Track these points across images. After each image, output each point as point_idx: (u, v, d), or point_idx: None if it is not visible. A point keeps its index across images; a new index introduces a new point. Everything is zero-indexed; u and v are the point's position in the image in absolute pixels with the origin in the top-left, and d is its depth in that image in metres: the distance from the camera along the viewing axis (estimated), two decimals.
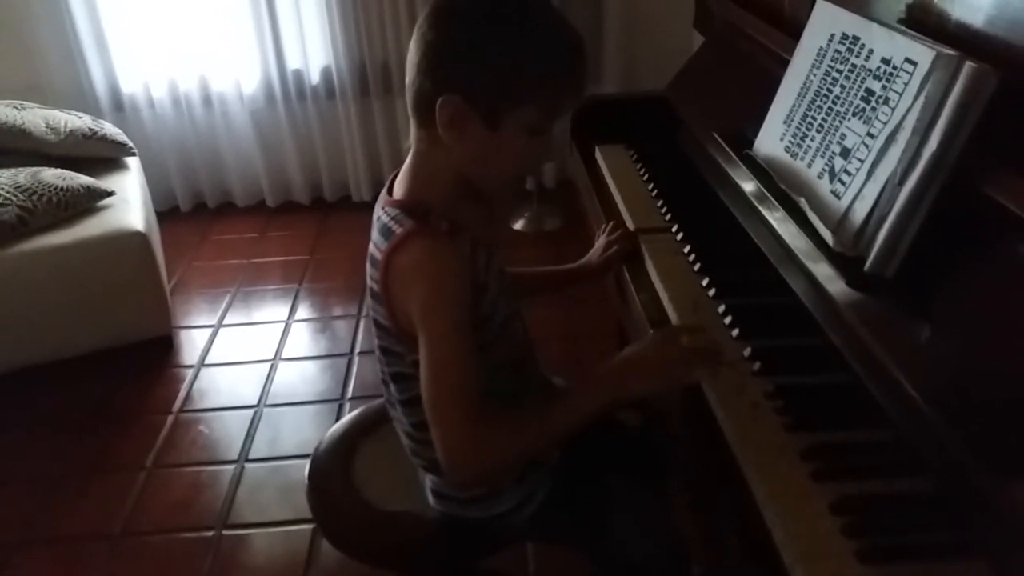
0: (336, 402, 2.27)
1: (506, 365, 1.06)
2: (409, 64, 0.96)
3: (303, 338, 2.62)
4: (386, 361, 1.07)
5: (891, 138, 0.94)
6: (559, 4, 3.05)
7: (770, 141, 1.22)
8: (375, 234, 1.01)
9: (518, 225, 3.22)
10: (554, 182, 3.48)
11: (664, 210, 1.43)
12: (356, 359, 2.46)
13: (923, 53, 0.91)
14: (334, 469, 1.27)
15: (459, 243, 0.97)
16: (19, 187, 2.36)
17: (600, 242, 1.38)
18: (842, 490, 0.80)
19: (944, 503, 0.77)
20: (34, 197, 2.35)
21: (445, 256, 0.95)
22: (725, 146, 1.29)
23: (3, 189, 2.33)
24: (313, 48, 3.29)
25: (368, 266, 1.02)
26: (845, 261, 0.95)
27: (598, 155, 1.69)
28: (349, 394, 2.30)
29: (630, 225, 1.41)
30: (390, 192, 1.04)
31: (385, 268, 0.96)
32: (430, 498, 1.17)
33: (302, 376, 2.42)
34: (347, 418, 1.40)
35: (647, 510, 1.14)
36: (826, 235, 0.98)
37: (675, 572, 1.08)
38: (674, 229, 1.34)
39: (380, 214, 1.01)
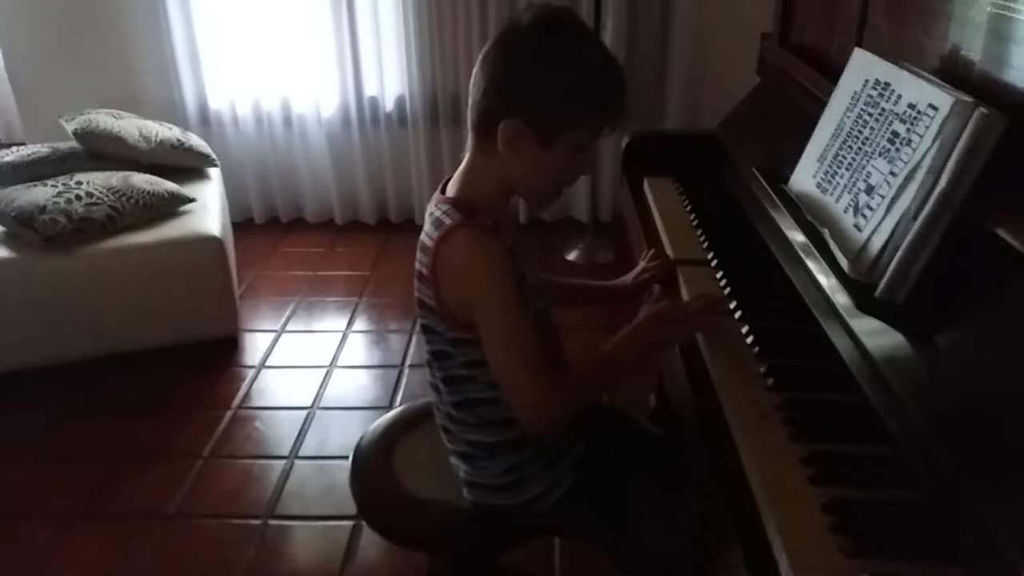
0: (384, 409, 2.37)
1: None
2: (474, 86, 1.09)
3: (358, 348, 2.74)
4: (428, 339, 1.19)
5: (910, 177, 1.00)
6: (629, 46, 3.19)
7: (804, 177, 1.29)
8: (427, 226, 1.14)
9: (572, 256, 3.31)
10: (610, 216, 3.57)
11: (703, 240, 1.51)
12: (406, 371, 2.57)
13: (944, 99, 0.98)
14: (375, 458, 1.37)
15: (499, 238, 1.09)
16: (111, 188, 2.55)
17: (638, 267, 1.47)
18: (835, 493, 0.86)
19: (929, 512, 0.83)
20: (123, 199, 2.53)
21: (489, 245, 1.07)
22: (762, 180, 1.37)
23: (97, 190, 2.53)
24: (389, 77, 3.48)
25: (419, 252, 1.15)
26: (860, 288, 1.01)
27: (646, 186, 1.77)
28: (397, 402, 2.41)
29: (670, 254, 1.49)
30: (443, 192, 1.16)
31: (434, 254, 1.09)
32: (463, 489, 1.26)
33: (354, 383, 2.54)
34: (390, 414, 1.49)
35: (665, 507, 1.21)
36: (843, 263, 1.05)
37: (691, 567, 1.15)
38: (710, 256, 1.42)
39: (433, 209, 1.14)
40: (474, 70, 1.09)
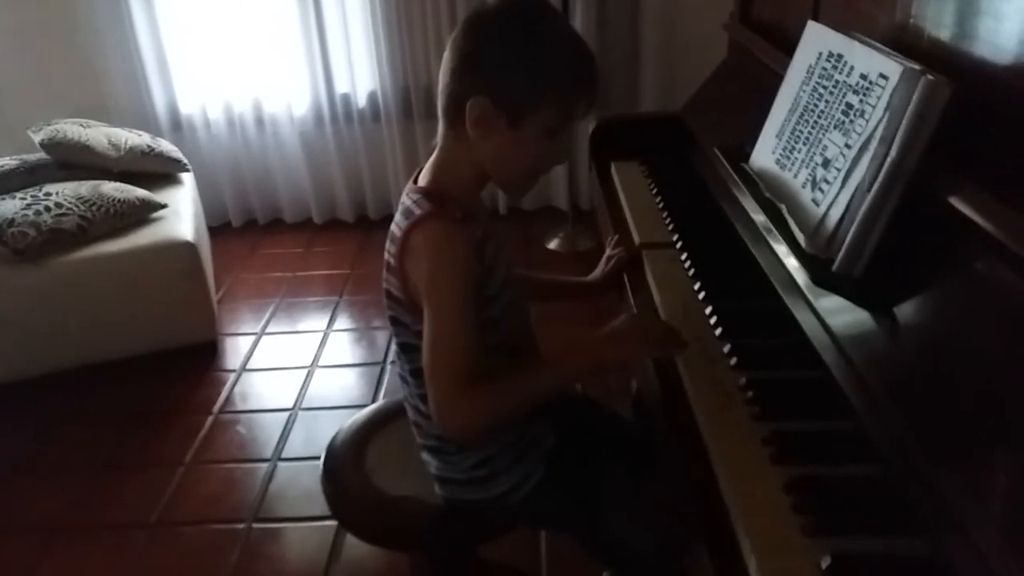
0: (367, 407, 2.36)
1: (504, 348, 1.14)
2: (443, 70, 1.08)
3: (340, 347, 2.73)
4: (396, 332, 1.17)
5: (863, 148, 0.99)
6: (600, 29, 3.17)
7: (764, 154, 1.28)
8: (397, 215, 1.12)
9: (552, 244, 3.30)
10: (589, 203, 3.55)
11: (669, 223, 1.50)
12: (388, 367, 2.56)
13: (893, 68, 0.97)
14: (347, 457, 1.36)
15: (469, 229, 1.07)
16: (81, 198, 2.52)
17: (604, 256, 1.46)
18: (796, 472, 0.85)
19: (890, 487, 0.82)
20: (94, 208, 2.51)
21: (455, 237, 1.05)
22: (723, 159, 1.35)
23: (66, 200, 2.50)
24: (360, 74, 3.45)
25: (388, 242, 1.13)
26: (818, 263, 1.00)
27: (613, 171, 1.76)
28: (380, 399, 2.40)
29: (636, 238, 1.48)
30: (416, 181, 1.15)
31: (402, 243, 1.08)
32: (434, 484, 1.25)
33: (337, 382, 2.53)
34: (364, 412, 1.48)
35: (638, 498, 1.19)
36: (801, 238, 1.04)
37: (663, 559, 1.14)
38: (675, 238, 1.41)
39: (404, 199, 1.13)
40: (445, 53, 1.08)
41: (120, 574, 1.85)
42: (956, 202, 0.86)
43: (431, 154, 1.15)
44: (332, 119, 3.50)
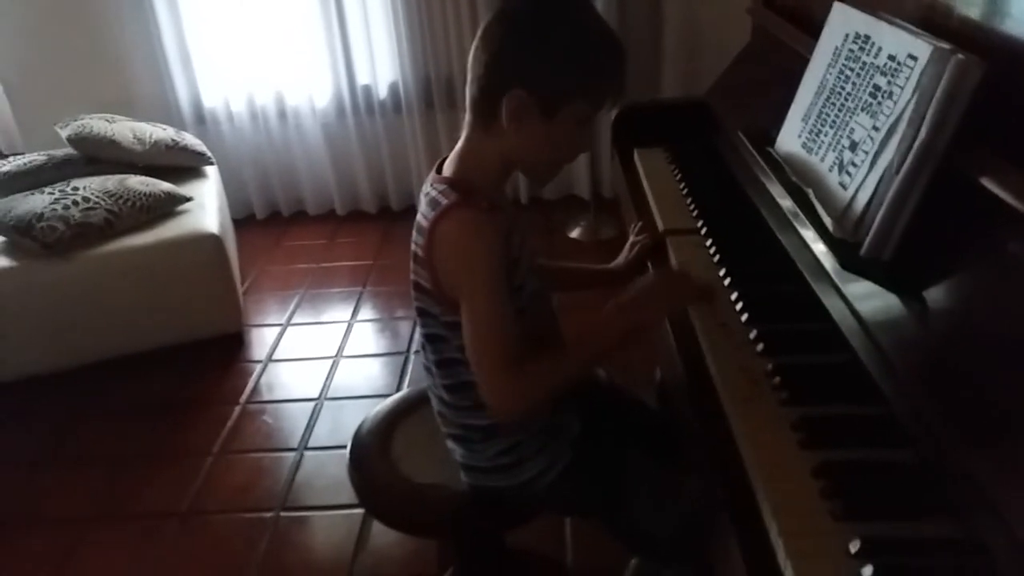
0: (391, 396, 2.37)
1: (531, 337, 1.14)
2: (474, 61, 1.07)
3: (364, 337, 2.74)
4: (422, 323, 1.17)
5: (892, 130, 0.98)
6: (621, 15, 3.15)
7: (790, 138, 1.27)
8: (423, 206, 1.12)
9: (574, 233, 3.29)
10: (612, 191, 3.54)
11: (693, 209, 1.49)
12: (412, 357, 2.57)
13: (922, 48, 0.95)
14: (374, 445, 1.36)
15: (496, 219, 1.07)
16: (107, 192, 2.55)
17: (628, 242, 1.45)
18: (825, 457, 0.85)
19: (920, 472, 0.81)
20: (120, 201, 2.54)
21: (483, 227, 1.05)
22: (748, 144, 1.34)
23: (94, 194, 2.53)
24: (381, 65, 3.45)
25: (415, 233, 1.13)
26: (846, 247, 0.99)
27: (636, 158, 1.75)
28: (404, 388, 2.40)
29: (660, 224, 1.47)
30: (439, 172, 1.15)
31: (430, 234, 1.07)
32: (460, 472, 1.25)
33: (361, 372, 2.54)
34: (389, 400, 1.49)
35: (663, 484, 1.19)
36: (828, 222, 1.03)
37: (688, 545, 1.14)
38: (699, 224, 1.40)
39: (428, 189, 1.12)
40: (474, 45, 1.08)
41: (150, 563, 1.88)
42: (987, 183, 0.85)
43: (454, 144, 1.15)
44: (354, 111, 3.51)
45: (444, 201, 1.07)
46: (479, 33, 1.08)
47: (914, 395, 0.82)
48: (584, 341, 1.10)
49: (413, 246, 1.14)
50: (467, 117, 1.11)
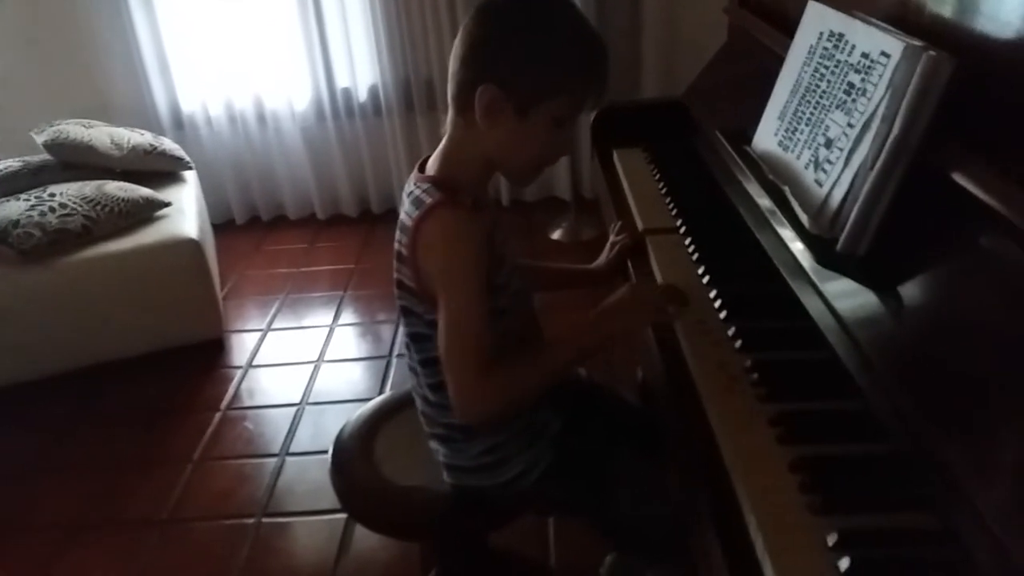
0: (373, 400, 2.37)
1: (512, 337, 1.14)
2: (453, 57, 1.08)
3: (346, 341, 2.73)
4: (406, 321, 1.17)
5: (866, 127, 0.99)
6: (600, 16, 3.15)
7: (766, 136, 1.27)
8: (407, 205, 1.12)
9: (556, 234, 3.30)
10: (592, 192, 3.54)
11: (672, 208, 1.49)
12: (394, 361, 2.56)
13: (895, 45, 0.96)
14: (356, 449, 1.36)
15: (480, 218, 1.08)
16: (85, 198, 2.53)
17: (608, 242, 1.46)
18: (803, 452, 0.85)
19: (897, 465, 0.82)
20: (98, 207, 2.51)
21: (467, 226, 1.05)
22: (726, 143, 1.35)
23: (71, 200, 2.50)
24: (361, 68, 3.44)
25: (398, 232, 1.13)
26: (823, 243, 1.00)
27: (615, 158, 1.76)
28: (386, 392, 2.39)
29: (640, 224, 1.47)
30: (421, 170, 1.14)
31: (414, 233, 1.07)
32: (443, 472, 1.25)
33: (343, 376, 2.53)
34: (371, 403, 1.48)
35: (645, 480, 1.20)
36: (804, 219, 1.03)
37: (671, 539, 1.14)
38: (679, 223, 1.40)
39: (412, 188, 1.12)
40: (454, 43, 1.08)
41: (133, 571, 1.86)
42: (960, 178, 0.85)
43: (434, 147, 1.14)
44: (333, 114, 3.50)
45: (428, 200, 1.07)
46: (461, 28, 1.08)
47: (890, 390, 0.83)
48: (554, 352, 1.10)
49: (396, 245, 1.14)
50: (449, 115, 1.12)
